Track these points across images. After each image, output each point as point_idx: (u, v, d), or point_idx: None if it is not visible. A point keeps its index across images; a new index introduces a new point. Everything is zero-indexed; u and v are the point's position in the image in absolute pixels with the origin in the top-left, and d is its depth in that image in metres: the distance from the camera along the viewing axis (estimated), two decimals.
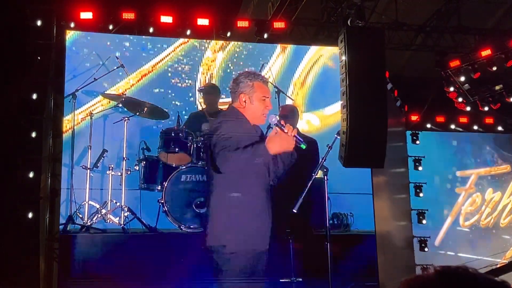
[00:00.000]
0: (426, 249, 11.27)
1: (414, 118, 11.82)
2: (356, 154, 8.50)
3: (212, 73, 10.69)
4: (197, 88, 10.26)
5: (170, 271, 7.79)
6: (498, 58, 10.46)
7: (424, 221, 11.39)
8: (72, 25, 8.76)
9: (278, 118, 4.67)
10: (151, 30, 9.17)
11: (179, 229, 8.48)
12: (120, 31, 9.37)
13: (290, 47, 10.97)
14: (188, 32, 9.28)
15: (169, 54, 10.47)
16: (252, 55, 10.79)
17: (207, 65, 10.68)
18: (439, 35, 10.74)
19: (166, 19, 9.01)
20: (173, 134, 8.73)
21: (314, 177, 5.85)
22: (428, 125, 11.95)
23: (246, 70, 5.09)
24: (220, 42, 10.42)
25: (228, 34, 9.40)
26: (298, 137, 4.65)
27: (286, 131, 4.59)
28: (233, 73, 10.35)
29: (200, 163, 8.64)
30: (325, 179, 5.80)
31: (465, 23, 10.54)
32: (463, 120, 12.07)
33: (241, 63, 10.66)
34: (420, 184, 11.55)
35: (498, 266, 10.33)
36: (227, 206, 4.70)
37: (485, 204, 12.16)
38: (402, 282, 1.58)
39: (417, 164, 11.64)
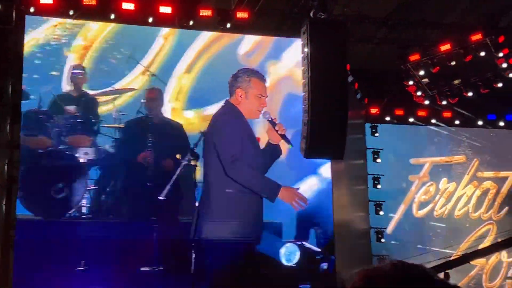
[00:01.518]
0: (382, 240, 11.47)
1: (373, 111, 11.95)
2: (316, 146, 8.57)
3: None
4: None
5: None
6: (457, 53, 10.65)
7: (381, 212, 11.58)
8: (32, 9, 8.58)
9: (270, 115, 4.82)
10: (112, 16, 9.04)
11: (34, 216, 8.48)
12: (81, 17, 9.22)
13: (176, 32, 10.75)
14: (150, 20, 9.17)
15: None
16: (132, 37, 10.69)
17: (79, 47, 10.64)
18: (401, 28, 10.86)
19: (128, 5, 8.89)
20: (33, 116, 8.65)
21: (183, 164, 5.96)
22: (388, 118, 12.11)
23: (246, 67, 5.17)
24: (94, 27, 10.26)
25: (191, 22, 9.33)
26: (286, 136, 4.79)
27: (276, 129, 4.77)
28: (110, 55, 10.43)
29: (61, 146, 8.68)
30: (195, 165, 5.94)
31: (427, 17, 10.67)
32: (422, 113, 12.25)
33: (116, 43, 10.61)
34: (378, 176, 11.72)
35: (452, 258, 10.55)
36: (225, 201, 4.77)
37: (440, 194, 12.38)
38: (359, 272, 1.61)
39: (375, 156, 11.80)
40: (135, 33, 10.71)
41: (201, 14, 9.25)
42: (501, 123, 12.75)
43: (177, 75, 10.94)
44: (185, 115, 10.43)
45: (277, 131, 4.80)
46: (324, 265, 8.65)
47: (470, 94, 11.36)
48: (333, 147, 8.76)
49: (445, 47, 10.54)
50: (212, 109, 7.24)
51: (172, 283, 7.59)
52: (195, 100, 10.99)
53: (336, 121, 8.65)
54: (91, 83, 10.39)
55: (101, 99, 10.45)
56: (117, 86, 10.78)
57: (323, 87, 8.53)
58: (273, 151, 4.95)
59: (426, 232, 12.18)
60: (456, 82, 11.41)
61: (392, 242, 11.67)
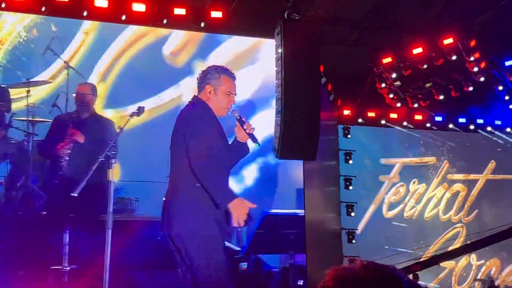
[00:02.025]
0: (353, 241, 11.53)
1: (346, 112, 12.01)
2: (289, 147, 8.60)
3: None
4: None
5: None
6: (429, 56, 10.77)
7: (352, 214, 11.63)
8: (3, 5, 8.45)
9: (239, 113, 4.83)
10: (85, 13, 8.95)
11: None
12: (53, 13, 9.11)
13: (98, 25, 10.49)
14: (123, 17, 9.10)
15: None
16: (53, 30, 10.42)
17: None
18: (374, 31, 10.93)
19: (101, 3, 8.82)
20: None
21: (99, 160, 5.95)
22: (360, 120, 12.18)
23: (216, 64, 5.15)
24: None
25: (165, 21, 9.28)
26: (254, 135, 4.79)
27: (245, 127, 4.78)
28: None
29: None
30: (111, 162, 5.94)
31: (400, 20, 10.76)
32: (394, 116, 12.35)
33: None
34: (350, 177, 11.78)
35: (422, 259, 10.63)
36: (193, 196, 4.74)
37: (410, 195, 12.49)
38: (329, 272, 1.61)
39: (347, 157, 11.86)
40: (56, 26, 10.41)
41: (175, 13, 9.20)
42: (472, 127, 12.91)
43: (98, 72, 10.66)
44: (105, 113, 10.14)
45: (245, 129, 4.82)
46: (244, 265, 8.48)
47: (441, 97, 11.49)
48: (306, 148, 8.80)
49: (417, 50, 10.65)
50: (133, 109, 7.15)
51: (84, 281, 7.44)
52: (116, 99, 10.71)
53: (308, 122, 8.69)
54: (5, 76, 10.11)
55: (15, 92, 10.16)
56: (34, 79, 10.48)
57: (296, 88, 8.56)
58: (239, 148, 4.96)
59: (396, 233, 12.27)
60: (427, 85, 11.53)
61: (362, 242, 11.74)
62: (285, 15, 8.74)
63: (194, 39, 10.54)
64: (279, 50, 8.53)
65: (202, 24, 9.43)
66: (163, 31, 10.05)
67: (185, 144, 4.74)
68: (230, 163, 5.02)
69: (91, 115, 9.32)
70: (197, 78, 5.03)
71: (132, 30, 10.26)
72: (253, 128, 4.85)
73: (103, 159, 6.44)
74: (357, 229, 11.73)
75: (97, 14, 9.06)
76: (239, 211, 4.65)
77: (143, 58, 10.44)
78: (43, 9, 8.77)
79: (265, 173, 9.89)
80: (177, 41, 10.41)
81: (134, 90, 10.09)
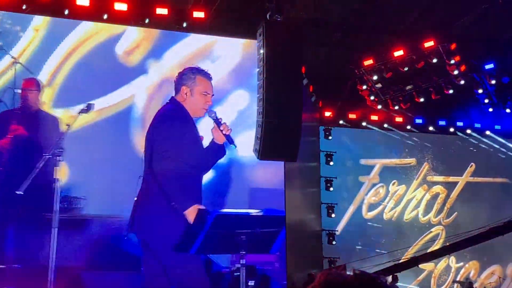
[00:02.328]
0: (334, 242, 11.57)
1: (327, 114, 12.07)
2: (270, 147, 8.59)
3: None
4: None
5: None
6: (409, 59, 10.84)
7: (333, 215, 11.69)
8: None
9: (216, 114, 4.80)
10: (66, 12, 8.89)
11: None
12: (34, 11, 9.04)
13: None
14: (105, 17, 9.06)
15: None
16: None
17: None
18: (356, 33, 10.98)
19: (84, 1, 8.77)
20: None
21: (45, 158, 5.90)
22: (341, 121, 12.24)
23: (193, 65, 5.12)
24: None
25: (147, 21, 9.25)
26: (230, 137, 4.77)
27: (221, 129, 4.75)
28: None
29: None
30: (58, 160, 5.89)
31: (381, 23, 10.82)
32: (374, 118, 12.43)
33: None
34: (331, 178, 11.84)
35: (401, 261, 10.70)
36: (162, 197, 4.70)
37: (389, 196, 12.57)
38: (320, 275, 1.61)
39: (328, 159, 11.92)
40: (4, 21, 10.24)
41: (157, 13, 9.17)
42: (451, 129, 13.03)
43: (48, 70, 10.47)
44: (54, 112, 9.98)
45: (221, 131, 4.79)
46: None
47: (422, 100, 11.58)
48: (287, 149, 8.79)
49: (398, 53, 10.73)
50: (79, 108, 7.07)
51: (28, 281, 7.30)
52: (65, 97, 10.53)
53: (290, 123, 8.68)
54: None
55: None
56: None
57: (278, 89, 8.55)
58: (216, 150, 4.92)
59: (375, 234, 12.34)
60: (408, 87, 11.62)
61: (342, 243, 11.81)
62: (267, 16, 8.73)
63: (148, 38, 10.39)
64: (261, 51, 8.51)
65: (185, 24, 9.41)
66: (116, 29, 9.93)
67: (154, 145, 4.72)
68: (206, 166, 4.99)
69: (35, 111, 9.05)
70: (174, 80, 5.01)
71: (85, 27, 10.10)
72: (230, 129, 4.83)
73: (50, 156, 6.34)
74: (337, 230, 11.79)
75: (78, 13, 9.01)
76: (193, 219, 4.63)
77: (95, 56, 10.23)
78: (24, 7, 8.72)
79: (217, 173, 9.83)
80: (130, 40, 10.25)
81: (84, 89, 9.93)
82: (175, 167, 4.62)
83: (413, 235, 12.59)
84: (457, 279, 12.24)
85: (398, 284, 10.82)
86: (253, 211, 4.45)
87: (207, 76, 4.93)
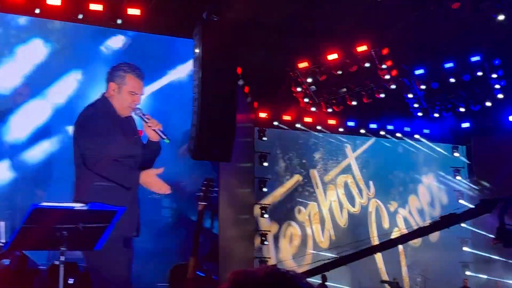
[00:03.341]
0: (266, 243, 11.66)
1: (262, 115, 12.15)
2: (204, 148, 8.60)
3: None
4: None
5: None
6: (343, 63, 11.03)
7: (266, 215, 11.77)
8: None
9: (142, 111, 4.73)
10: None
11: None
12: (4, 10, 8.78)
13: None
14: (37, 11, 8.83)
15: None
16: None
17: None
18: (292, 36, 11.07)
19: None
20: None
21: None
22: (276, 123, 12.34)
23: (126, 62, 5.00)
24: None
25: (80, 16, 9.06)
26: (161, 131, 4.71)
27: (149, 125, 4.69)
28: None
29: None
30: None
31: (317, 27, 10.95)
32: (308, 119, 12.59)
33: None
34: (265, 178, 11.93)
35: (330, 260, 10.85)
36: (94, 194, 4.59)
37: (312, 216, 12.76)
38: (230, 275, 1.60)
39: (262, 159, 12.00)
40: None
41: (90, 8, 9.00)
42: (382, 132, 13.33)
43: None
44: None
45: (150, 127, 4.75)
46: (6, 261, 7.96)
47: (354, 103, 11.81)
48: (221, 149, 8.82)
49: (333, 56, 10.90)
50: None
51: None
52: None
53: (224, 123, 8.72)
54: None
55: None
56: None
57: (213, 89, 8.58)
58: (152, 147, 4.88)
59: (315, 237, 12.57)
60: (341, 91, 11.82)
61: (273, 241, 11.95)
62: (204, 16, 8.73)
63: None
64: (197, 51, 8.52)
65: (119, 21, 9.26)
66: None
67: (77, 144, 4.65)
68: (146, 161, 4.94)
69: None
70: (107, 73, 4.94)
71: None
72: (160, 124, 4.79)
73: None
74: (269, 231, 11.89)
75: (7, 7, 8.76)
76: (151, 182, 4.62)
77: None
78: None
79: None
80: None
81: None
82: (101, 165, 4.55)
83: (363, 225, 12.83)
84: (383, 278, 12.51)
85: (326, 283, 10.99)
86: (77, 205, 4.28)
87: (138, 75, 4.84)
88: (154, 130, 4.75)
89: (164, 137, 4.75)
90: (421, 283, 12.04)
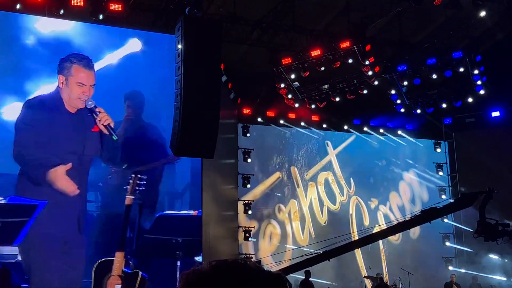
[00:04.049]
0: (250, 239, 11.65)
1: (246, 111, 12.15)
2: (187, 144, 8.55)
3: None
4: None
5: None
6: (326, 59, 11.03)
7: (249, 212, 11.77)
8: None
9: (94, 104, 4.61)
10: None
11: None
12: None
13: None
14: (18, 6, 8.74)
15: None
16: None
17: None
18: (274, 32, 11.09)
19: None
20: None
21: None
22: (259, 119, 12.34)
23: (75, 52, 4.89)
24: None
25: (61, 11, 8.98)
26: (111, 127, 4.60)
27: (99, 119, 4.57)
28: None
29: None
30: None
31: (299, 23, 10.97)
32: (292, 116, 12.60)
33: None
34: (248, 175, 11.92)
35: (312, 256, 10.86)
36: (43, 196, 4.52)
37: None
38: (181, 276, 1.61)
39: (246, 156, 11.99)
40: None
41: (72, 4, 8.92)
42: (365, 128, 13.39)
43: None
44: None
45: (99, 121, 4.63)
46: None
47: (337, 99, 11.83)
48: (204, 146, 8.77)
49: (316, 52, 10.89)
50: None
51: None
52: None
53: (207, 119, 8.67)
54: None
55: None
56: None
57: (196, 85, 8.52)
58: (105, 139, 4.77)
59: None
60: (324, 87, 11.84)
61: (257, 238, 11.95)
62: (186, 11, 8.68)
63: None
64: (179, 46, 8.46)
65: (101, 17, 9.20)
66: None
67: (21, 132, 4.59)
68: (105, 154, 4.85)
69: None
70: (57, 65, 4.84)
71: None
72: (111, 120, 4.67)
73: None
74: (253, 227, 11.89)
75: None
76: (57, 181, 4.52)
77: None
78: None
79: None
80: None
81: None
82: (39, 157, 4.48)
83: (344, 223, 12.83)
84: (367, 274, 12.55)
85: (311, 279, 11.00)
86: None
87: (86, 65, 4.69)
88: (103, 125, 4.63)
89: (112, 133, 4.62)
90: (403, 279, 12.09)
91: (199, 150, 8.90)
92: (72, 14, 9.19)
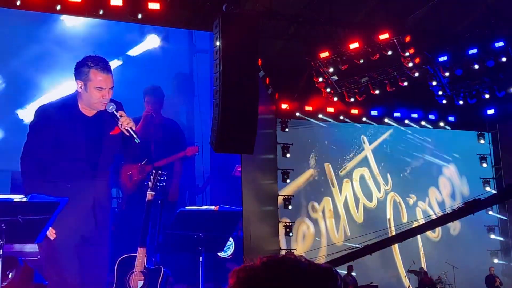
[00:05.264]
0: (290, 234, 11.64)
1: (284, 106, 12.11)
2: (226, 140, 8.58)
3: None
4: None
5: None
6: (365, 51, 10.92)
7: (290, 207, 11.74)
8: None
9: (115, 108, 4.58)
10: (18, 3, 8.70)
11: None
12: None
13: None
14: (58, 7, 8.88)
15: None
16: None
17: None
18: (311, 26, 11.02)
19: None
20: None
21: None
22: (298, 114, 12.29)
23: (92, 55, 4.85)
24: None
25: (101, 12, 9.10)
26: (133, 130, 4.57)
27: (120, 123, 4.55)
28: None
29: None
30: None
31: (336, 15, 10.88)
32: (331, 110, 12.52)
33: None
34: (288, 170, 11.89)
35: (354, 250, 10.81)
36: (56, 195, 4.55)
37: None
38: (231, 274, 1.60)
39: (285, 151, 11.97)
40: None
41: (111, 4, 9.02)
42: (406, 121, 13.23)
43: None
44: None
45: (121, 125, 4.58)
46: None
47: (377, 92, 11.70)
48: (243, 142, 8.79)
49: (354, 45, 10.79)
50: None
51: None
52: None
53: (246, 115, 8.68)
54: None
55: None
56: None
57: (234, 81, 8.54)
58: (130, 144, 4.73)
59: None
60: (363, 80, 11.72)
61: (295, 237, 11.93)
62: (224, 8, 8.70)
63: None
64: (217, 43, 8.48)
65: (139, 16, 9.28)
66: None
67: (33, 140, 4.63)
68: (127, 159, 4.88)
69: None
70: (74, 69, 4.81)
71: None
72: (133, 124, 4.62)
73: None
74: (294, 222, 11.87)
75: (29, 4, 8.82)
76: None
77: None
78: None
79: None
80: None
81: None
82: (28, 158, 4.51)
83: (380, 219, 12.69)
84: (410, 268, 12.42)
85: (353, 274, 10.95)
86: (17, 197, 4.19)
87: (103, 68, 4.61)
88: (125, 129, 4.61)
89: (134, 136, 4.60)
90: (447, 273, 11.94)
91: (239, 146, 8.92)
92: (111, 14, 9.30)
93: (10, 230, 3.99)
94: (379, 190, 12.95)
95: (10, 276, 6.79)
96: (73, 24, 9.85)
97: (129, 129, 4.59)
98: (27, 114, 9.09)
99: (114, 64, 9.28)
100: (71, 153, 4.53)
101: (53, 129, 4.56)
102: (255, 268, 1.58)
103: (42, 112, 4.72)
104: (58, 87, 8.75)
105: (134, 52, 10.09)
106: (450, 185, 13.53)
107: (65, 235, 4.41)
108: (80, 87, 4.61)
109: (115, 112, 4.59)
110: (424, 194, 13.27)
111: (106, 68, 4.68)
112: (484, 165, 13.56)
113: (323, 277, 1.59)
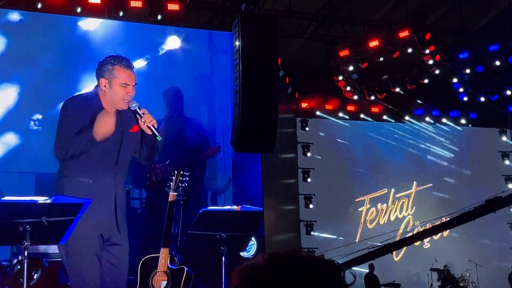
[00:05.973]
0: (312, 233, 11.63)
1: (304, 105, 12.11)
2: (247, 140, 8.60)
3: None
4: None
5: None
6: (385, 49, 10.86)
7: (311, 206, 11.73)
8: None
9: (138, 106, 4.62)
10: (39, 6, 8.79)
11: None
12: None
13: None
14: (79, 10, 8.96)
15: None
16: None
17: None
18: (331, 24, 11.00)
19: None
20: None
21: None
22: (318, 112, 12.28)
23: (114, 54, 4.90)
24: None
25: (121, 13, 9.16)
26: (155, 128, 4.60)
27: (143, 120, 4.58)
28: None
29: None
30: None
31: (355, 14, 10.84)
32: (351, 108, 12.48)
33: None
34: (308, 169, 11.88)
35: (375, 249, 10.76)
36: (77, 191, 4.55)
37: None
38: (233, 274, 1.59)
39: (305, 150, 11.96)
40: None
41: (131, 5, 9.09)
42: (427, 118, 13.14)
43: None
44: None
45: (144, 122, 4.62)
46: None
47: (397, 89, 11.65)
48: (264, 141, 8.80)
49: (374, 43, 10.74)
50: None
51: None
52: None
53: (266, 115, 8.69)
54: None
55: None
56: None
57: (254, 81, 8.56)
58: (149, 141, 4.76)
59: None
60: (384, 78, 11.67)
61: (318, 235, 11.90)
62: (242, 8, 8.71)
63: None
64: (237, 43, 8.50)
65: (159, 17, 9.34)
66: None
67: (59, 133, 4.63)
68: (144, 156, 4.86)
69: None
70: (96, 70, 4.86)
71: None
72: (155, 120, 4.66)
73: None
74: (315, 221, 11.85)
75: (51, 7, 8.91)
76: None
77: None
78: None
79: None
80: None
81: None
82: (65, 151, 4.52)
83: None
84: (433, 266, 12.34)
85: (375, 273, 10.91)
86: (41, 199, 4.19)
87: (127, 65, 4.67)
88: (147, 126, 4.63)
89: (156, 134, 4.62)
90: (470, 271, 11.86)
91: (259, 146, 8.93)
92: (131, 15, 9.37)
93: (35, 232, 4.02)
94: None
95: (35, 277, 6.87)
96: (88, 29, 9.85)
97: (151, 126, 4.61)
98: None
99: (139, 63, 9.37)
100: (93, 148, 4.55)
101: (79, 121, 4.58)
102: (258, 266, 1.58)
103: (70, 103, 4.75)
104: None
105: (155, 53, 10.14)
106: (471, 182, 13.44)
107: (85, 234, 4.42)
108: (105, 86, 4.63)
109: (138, 109, 4.61)
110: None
111: (129, 66, 4.73)
112: (507, 162, 13.42)
113: (326, 271, 1.59)
